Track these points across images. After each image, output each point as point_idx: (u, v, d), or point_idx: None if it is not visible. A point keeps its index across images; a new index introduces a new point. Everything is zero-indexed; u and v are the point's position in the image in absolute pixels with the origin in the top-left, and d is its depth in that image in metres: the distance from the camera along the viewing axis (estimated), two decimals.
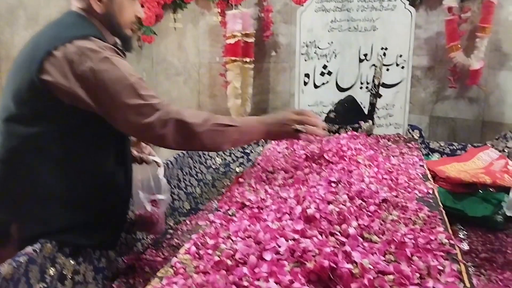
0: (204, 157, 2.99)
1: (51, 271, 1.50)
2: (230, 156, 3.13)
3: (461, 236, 2.22)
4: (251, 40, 3.40)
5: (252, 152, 3.08)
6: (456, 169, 2.57)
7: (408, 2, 2.91)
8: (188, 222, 2.35)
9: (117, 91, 1.40)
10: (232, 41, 3.33)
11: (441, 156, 2.97)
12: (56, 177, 1.49)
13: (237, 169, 3.01)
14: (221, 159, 3.09)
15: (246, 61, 3.39)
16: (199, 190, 2.73)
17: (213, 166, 3.03)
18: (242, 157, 3.11)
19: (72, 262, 1.58)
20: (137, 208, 1.87)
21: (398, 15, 2.91)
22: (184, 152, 2.71)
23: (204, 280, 0.98)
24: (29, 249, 1.41)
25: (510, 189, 2.33)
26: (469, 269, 1.13)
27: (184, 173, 2.63)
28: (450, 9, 3.14)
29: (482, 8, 3.09)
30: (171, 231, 2.25)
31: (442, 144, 3.04)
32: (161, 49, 3.52)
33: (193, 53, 3.60)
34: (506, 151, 2.84)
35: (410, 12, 2.90)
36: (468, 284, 1.01)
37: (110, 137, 1.58)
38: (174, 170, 2.51)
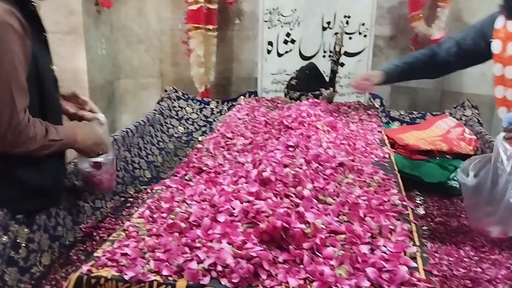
0: (166, 126, 2.95)
1: (3, 239, 1.46)
2: (192, 125, 3.10)
3: (418, 201, 2.28)
4: (214, 6, 3.32)
5: (215, 120, 3.05)
6: (415, 137, 2.61)
7: None
8: (149, 190, 2.32)
9: None
10: (194, 7, 3.24)
11: (401, 125, 3.02)
12: None
13: (200, 138, 2.99)
14: (184, 128, 3.06)
15: (209, 29, 3.31)
16: (161, 159, 2.69)
17: (175, 135, 3.00)
18: (205, 125, 3.09)
19: (26, 230, 1.54)
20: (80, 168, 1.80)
21: None
22: (144, 120, 2.66)
23: (156, 242, 0.98)
24: None
25: (466, 156, 2.39)
26: (420, 229, 1.15)
27: (145, 142, 2.59)
28: None
29: None
30: (131, 199, 2.23)
31: (402, 113, 3.09)
32: (121, 15, 3.41)
33: (154, 19, 3.50)
34: (464, 119, 2.91)
35: None
36: (417, 243, 1.03)
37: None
38: (135, 139, 2.47)
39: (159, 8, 3.49)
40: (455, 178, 2.41)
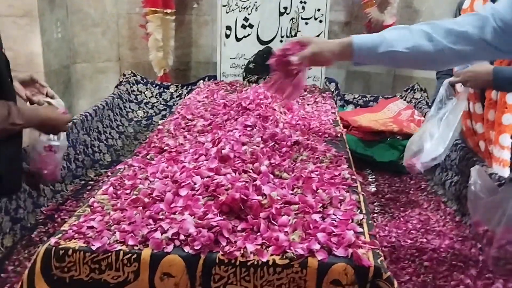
0: (125, 110, 2.95)
1: None
2: (152, 109, 3.12)
3: (370, 179, 2.40)
4: None
5: (175, 104, 3.08)
6: (367, 119, 2.73)
7: None
8: (109, 173, 2.34)
9: None
10: None
11: (355, 107, 3.14)
12: None
13: (160, 122, 3.01)
14: (143, 112, 3.07)
15: (167, 13, 3.32)
16: (121, 142, 2.71)
17: (135, 119, 3.01)
18: (165, 109, 3.11)
19: None
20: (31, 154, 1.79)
21: None
22: (103, 104, 2.66)
23: (121, 216, 1.03)
24: None
25: None
26: (367, 200, 1.25)
27: (105, 126, 2.60)
28: None
29: None
30: (91, 182, 2.24)
31: (356, 96, 3.21)
32: None
33: (110, 3, 3.46)
34: (413, 101, 3.05)
35: None
36: (364, 211, 1.13)
37: None
38: (94, 122, 2.47)
39: None
40: None
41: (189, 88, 3.16)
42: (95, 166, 2.38)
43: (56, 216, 1.89)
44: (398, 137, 2.60)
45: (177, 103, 3.05)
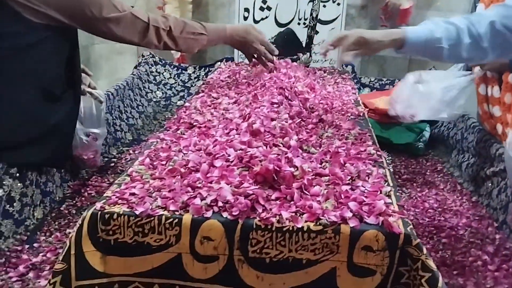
0: (144, 90, 3.00)
1: None
2: (170, 90, 3.16)
3: (387, 161, 2.44)
4: None
5: (193, 85, 3.12)
6: (384, 101, 2.75)
7: None
8: (131, 151, 2.40)
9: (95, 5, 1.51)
10: None
11: (371, 91, 3.16)
12: (5, 93, 1.49)
13: (178, 103, 3.06)
14: (162, 92, 3.12)
15: None
16: (141, 122, 2.76)
17: (154, 100, 3.06)
18: (183, 90, 3.16)
19: (19, 184, 1.61)
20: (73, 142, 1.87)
21: None
22: (124, 83, 2.70)
23: (160, 184, 1.08)
24: None
25: (431, 120, 2.56)
26: (392, 172, 1.29)
27: (125, 105, 2.65)
28: None
29: None
30: (114, 159, 2.30)
31: (372, 79, 3.23)
32: None
33: None
34: None
35: None
36: (391, 183, 1.17)
37: (63, 53, 1.64)
38: (115, 101, 2.52)
39: None
40: (421, 140, 2.59)
41: (207, 69, 3.20)
42: (117, 144, 2.44)
43: (82, 190, 1.95)
44: None
45: (195, 84, 3.09)
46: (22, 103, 1.53)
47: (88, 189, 1.97)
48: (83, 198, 1.89)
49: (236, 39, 1.89)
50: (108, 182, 2.03)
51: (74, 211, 1.80)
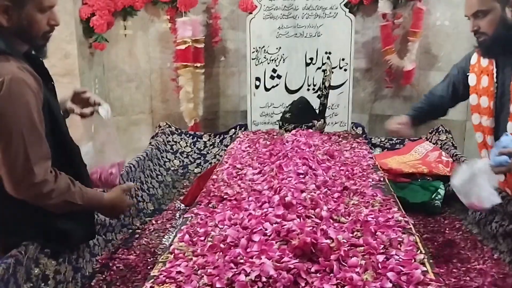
0: (163, 159, 3.09)
1: (36, 271, 1.57)
2: (187, 158, 3.25)
3: None
4: (201, 45, 3.53)
5: (209, 153, 3.21)
6: (396, 161, 2.84)
7: (348, 10, 3.17)
8: (154, 222, 2.45)
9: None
10: (183, 47, 3.44)
11: (382, 150, 3.24)
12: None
13: (195, 170, 3.13)
14: (179, 161, 3.20)
15: (197, 66, 3.51)
16: (161, 191, 2.82)
17: (172, 168, 3.14)
18: (199, 158, 3.24)
19: (53, 262, 1.65)
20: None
21: (340, 22, 3.17)
22: (144, 155, 2.79)
23: (204, 261, 1.12)
24: (15, 251, 1.48)
25: (444, 177, 2.61)
26: (422, 239, 1.34)
27: (146, 176, 2.72)
28: (384, 15, 3.44)
29: (413, 14, 3.42)
30: (138, 231, 2.34)
31: (382, 139, 3.32)
32: (112, 56, 3.57)
33: (144, 59, 3.67)
34: (439, 143, 3.15)
35: (350, 19, 3.17)
36: (423, 251, 1.22)
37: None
38: (137, 173, 2.59)
39: (148, 49, 3.67)
40: (437, 197, 2.63)
41: (222, 136, 3.30)
42: (139, 215, 2.49)
43: (111, 264, 1.98)
44: (428, 178, 2.69)
45: (211, 152, 3.18)
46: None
47: (115, 262, 2.00)
48: (112, 272, 1.92)
49: (108, 207, 1.74)
50: (135, 254, 2.07)
51: (104, 286, 1.82)
